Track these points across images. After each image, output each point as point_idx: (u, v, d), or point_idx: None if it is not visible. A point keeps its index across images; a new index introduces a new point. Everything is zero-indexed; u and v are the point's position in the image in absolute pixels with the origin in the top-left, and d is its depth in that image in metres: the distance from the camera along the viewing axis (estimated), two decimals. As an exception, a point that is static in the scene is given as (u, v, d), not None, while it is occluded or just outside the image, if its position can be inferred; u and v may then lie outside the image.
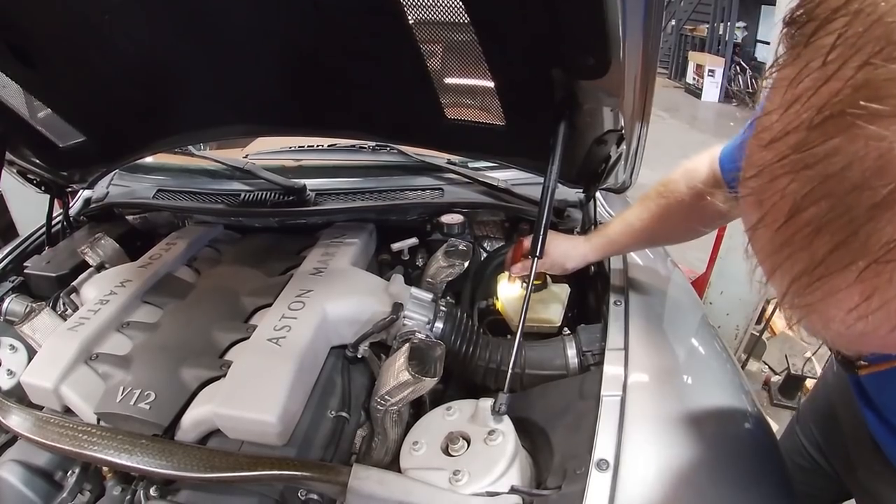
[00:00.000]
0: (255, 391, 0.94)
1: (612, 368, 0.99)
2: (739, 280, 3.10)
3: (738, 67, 10.16)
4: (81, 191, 1.86)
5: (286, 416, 0.93)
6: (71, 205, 1.86)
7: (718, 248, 3.14)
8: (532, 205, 1.46)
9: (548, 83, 0.99)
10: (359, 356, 1.13)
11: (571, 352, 1.12)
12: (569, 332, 1.22)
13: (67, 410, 1.10)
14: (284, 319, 1.07)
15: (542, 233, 0.94)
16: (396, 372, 0.93)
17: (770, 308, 3.19)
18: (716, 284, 3.18)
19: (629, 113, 1.01)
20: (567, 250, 1.21)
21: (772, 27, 8.47)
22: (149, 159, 1.95)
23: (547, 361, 1.12)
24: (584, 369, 1.09)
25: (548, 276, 1.36)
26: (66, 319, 1.22)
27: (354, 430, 1.09)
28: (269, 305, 1.17)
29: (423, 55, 1.01)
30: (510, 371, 0.88)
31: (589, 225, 1.52)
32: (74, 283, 1.43)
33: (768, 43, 8.47)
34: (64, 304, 1.39)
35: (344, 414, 1.06)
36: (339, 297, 1.15)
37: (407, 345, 0.95)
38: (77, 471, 1.07)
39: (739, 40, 10.49)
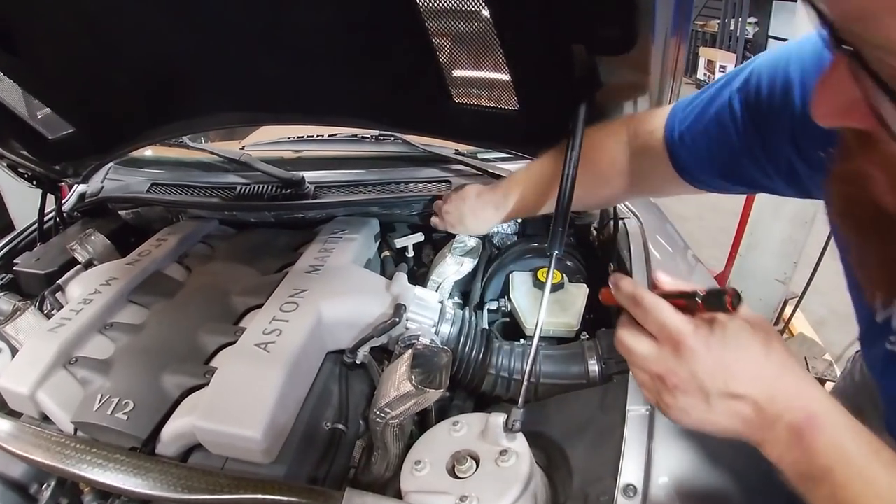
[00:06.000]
0: (239, 403, 0.84)
1: (638, 379, 0.89)
2: (760, 279, 2.99)
3: (750, 63, 9.97)
4: (76, 185, 1.79)
5: (272, 432, 0.83)
6: (65, 200, 1.80)
7: (738, 246, 3.04)
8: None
9: (567, 61, 0.88)
10: (357, 362, 1.04)
11: (592, 359, 1.02)
12: (587, 336, 1.12)
13: (46, 418, 1.03)
14: (275, 322, 0.98)
15: (562, 227, 0.83)
16: (397, 382, 0.84)
17: (789, 309, 3.08)
18: (735, 284, 3.07)
19: (655, 93, 0.91)
20: (476, 219, 1.15)
21: (783, 23, 8.30)
22: (146, 152, 1.89)
23: (564, 369, 1.02)
24: (606, 379, 0.99)
25: (564, 276, 1.26)
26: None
27: (353, 441, 1.00)
28: (262, 306, 1.07)
29: (427, 31, 0.91)
30: (524, 383, 0.78)
31: (607, 221, 1.41)
32: (60, 282, 1.36)
33: (780, 39, 8.32)
34: (50, 304, 1.32)
35: (340, 426, 0.97)
36: (335, 297, 1.05)
37: (409, 351, 0.86)
38: (52, 484, 0.99)
39: (751, 36, 10.29)
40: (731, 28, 10.54)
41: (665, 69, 0.89)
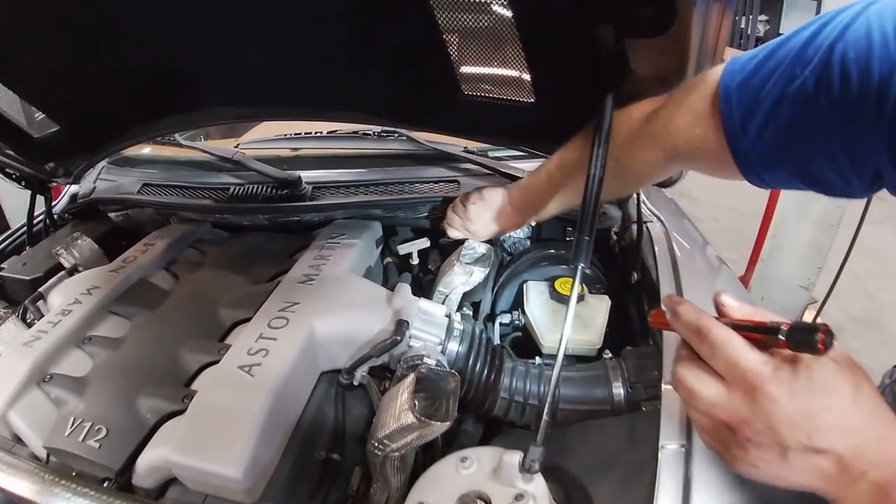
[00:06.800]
0: (217, 436, 0.74)
1: (672, 408, 0.78)
2: (783, 285, 2.87)
3: (760, 62, 9.81)
4: (68, 186, 1.71)
5: (254, 468, 0.73)
6: (57, 201, 1.73)
7: (759, 250, 2.90)
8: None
9: (591, 46, 0.77)
10: (355, 383, 0.93)
11: (616, 381, 0.91)
12: (610, 355, 1.00)
13: (19, 439, 0.95)
14: (261, 340, 0.87)
15: (588, 236, 0.72)
16: (398, 411, 0.74)
17: (808, 314, 2.95)
18: (756, 290, 2.94)
19: (692, 77, 0.80)
20: (507, 224, 1.12)
21: (794, 20, 8.14)
22: (144, 149, 1.82)
23: (586, 393, 0.91)
24: (633, 406, 0.88)
25: (584, 287, 1.15)
26: (34, 329, 1.07)
27: (350, 469, 0.90)
28: (250, 320, 0.97)
29: (433, 12, 0.80)
30: (544, 418, 0.67)
31: (628, 224, 1.30)
32: (41, 289, 1.28)
33: None
34: (31, 313, 1.24)
35: (335, 456, 0.86)
36: (330, 311, 0.94)
37: (412, 376, 0.76)
38: (25, 514, 0.90)
39: (762, 34, 10.13)
40: (742, 26, 10.38)
41: (705, 45, 0.77)
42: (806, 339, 0.45)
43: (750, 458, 0.50)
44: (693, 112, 0.71)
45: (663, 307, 0.58)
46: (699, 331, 0.52)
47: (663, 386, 0.82)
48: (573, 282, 0.69)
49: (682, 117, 0.73)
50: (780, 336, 0.47)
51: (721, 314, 0.56)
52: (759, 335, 0.50)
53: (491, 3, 0.80)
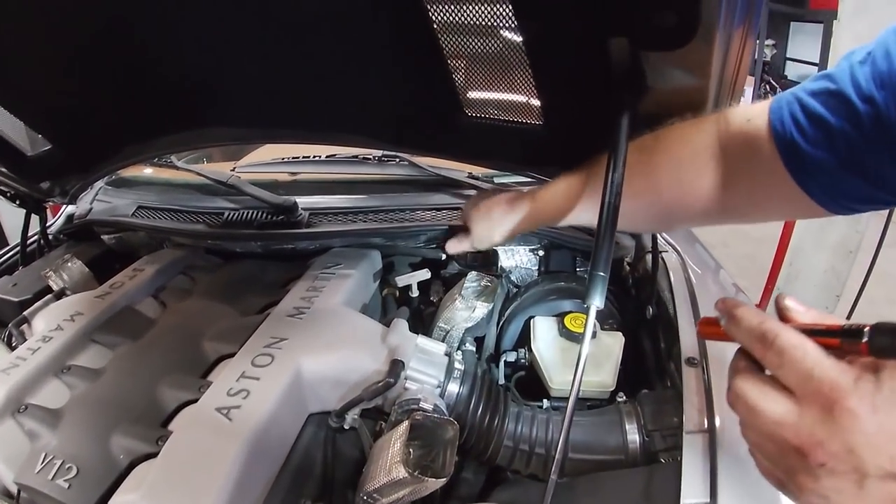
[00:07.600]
0: (188, 484, 0.67)
1: (693, 461, 0.71)
2: (802, 315, 2.77)
3: (767, 86, 9.83)
4: (65, 206, 1.69)
5: (228, 525, 0.66)
6: (53, 221, 1.71)
7: (775, 278, 2.82)
8: (577, 229, 1.17)
9: (604, 60, 0.71)
10: (346, 427, 0.86)
11: (631, 427, 0.83)
12: (625, 398, 0.93)
13: None
14: (243, 380, 0.80)
15: (602, 270, 0.64)
16: (389, 463, 0.67)
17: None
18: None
19: (712, 101, 0.74)
20: (492, 226, 0.97)
21: (800, 44, 8.15)
22: (144, 171, 1.77)
23: (598, 440, 0.83)
24: (650, 457, 0.80)
25: (597, 323, 1.07)
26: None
27: (340, 519, 0.82)
28: (235, 355, 0.91)
29: (433, 26, 0.75)
30: (552, 477, 0.59)
31: (643, 254, 1.23)
32: (26, 313, 1.23)
33: (798, 60, 8.14)
34: (14, 337, 1.19)
35: (322, 506, 0.79)
36: (319, 349, 0.88)
37: (406, 423, 0.69)
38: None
39: (768, 58, 10.18)
40: (749, 50, 10.43)
41: (725, 74, 0.72)
42: (894, 343, 0.38)
43: (820, 489, 0.42)
44: (748, 106, 0.67)
45: (717, 312, 0.50)
46: (764, 336, 0.44)
47: (685, 435, 0.75)
48: (586, 321, 0.61)
49: (738, 108, 0.69)
50: (862, 339, 0.40)
51: (784, 320, 0.48)
52: (836, 340, 0.42)
53: (497, 25, 0.75)
